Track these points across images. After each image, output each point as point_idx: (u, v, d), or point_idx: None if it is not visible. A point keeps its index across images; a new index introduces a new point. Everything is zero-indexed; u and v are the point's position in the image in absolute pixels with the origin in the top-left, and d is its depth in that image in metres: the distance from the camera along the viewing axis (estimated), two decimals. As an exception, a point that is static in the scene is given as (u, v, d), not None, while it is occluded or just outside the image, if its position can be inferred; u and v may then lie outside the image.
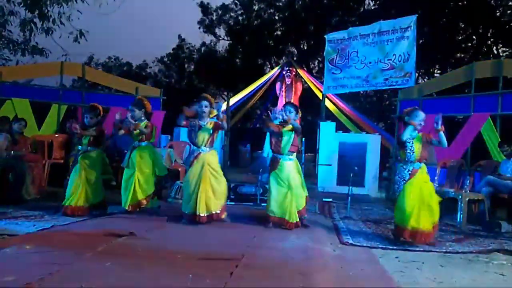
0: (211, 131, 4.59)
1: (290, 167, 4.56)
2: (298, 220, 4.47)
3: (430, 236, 3.96)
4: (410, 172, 4.01)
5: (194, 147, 4.68)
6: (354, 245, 3.86)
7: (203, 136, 4.58)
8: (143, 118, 5.05)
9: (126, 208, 4.85)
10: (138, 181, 4.90)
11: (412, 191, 3.94)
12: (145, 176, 4.95)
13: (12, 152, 5.63)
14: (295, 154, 4.68)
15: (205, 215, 4.42)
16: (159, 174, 5.15)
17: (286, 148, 4.55)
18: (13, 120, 6.28)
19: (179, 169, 6.99)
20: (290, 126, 4.58)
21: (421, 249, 3.79)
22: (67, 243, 3.39)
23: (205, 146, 4.59)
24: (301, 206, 4.57)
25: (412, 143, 4.06)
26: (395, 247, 3.81)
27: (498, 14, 13.80)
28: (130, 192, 4.85)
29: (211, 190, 4.51)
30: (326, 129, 8.75)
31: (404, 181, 4.01)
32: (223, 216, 4.59)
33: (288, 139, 4.56)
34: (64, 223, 4.22)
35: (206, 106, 4.60)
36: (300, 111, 4.76)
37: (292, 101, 10.83)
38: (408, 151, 4.05)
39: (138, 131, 4.94)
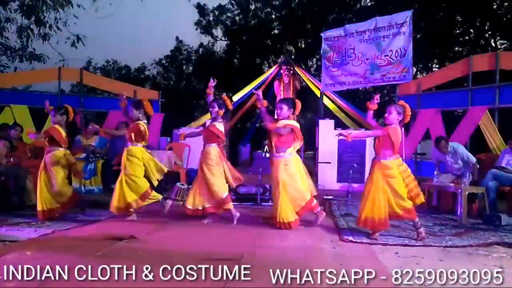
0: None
1: (280, 164, 4.41)
2: (289, 220, 4.30)
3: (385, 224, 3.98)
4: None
5: None
6: (354, 242, 3.87)
7: None
8: (141, 118, 4.85)
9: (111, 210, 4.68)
10: (123, 184, 4.67)
11: (368, 183, 4.08)
12: (131, 178, 4.70)
13: (11, 158, 5.64)
14: (289, 150, 4.48)
15: (191, 208, 4.59)
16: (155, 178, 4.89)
17: (277, 145, 4.46)
18: (10, 127, 6.29)
19: (179, 171, 7.01)
20: (282, 122, 4.49)
21: (421, 244, 3.81)
22: (68, 248, 3.41)
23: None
24: (298, 207, 4.42)
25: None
26: (394, 243, 3.82)
27: (495, 6, 13.77)
28: (115, 194, 4.67)
29: (204, 186, 4.60)
30: (325, 126, 8.75)
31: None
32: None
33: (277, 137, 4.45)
34: (65, 228, 4.24)
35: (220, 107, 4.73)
36: (299, 105, 4.60)
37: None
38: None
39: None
